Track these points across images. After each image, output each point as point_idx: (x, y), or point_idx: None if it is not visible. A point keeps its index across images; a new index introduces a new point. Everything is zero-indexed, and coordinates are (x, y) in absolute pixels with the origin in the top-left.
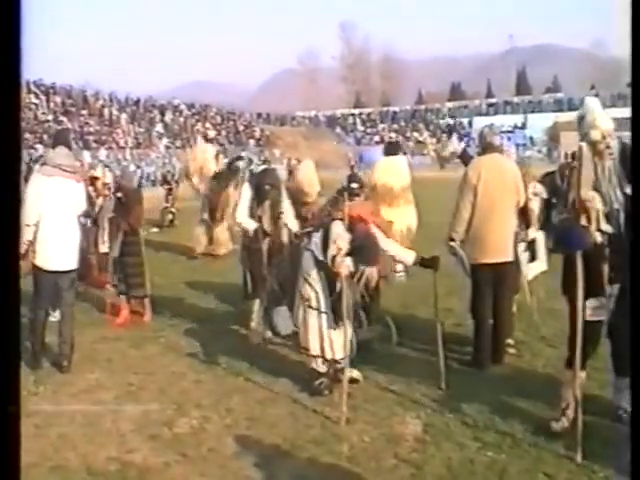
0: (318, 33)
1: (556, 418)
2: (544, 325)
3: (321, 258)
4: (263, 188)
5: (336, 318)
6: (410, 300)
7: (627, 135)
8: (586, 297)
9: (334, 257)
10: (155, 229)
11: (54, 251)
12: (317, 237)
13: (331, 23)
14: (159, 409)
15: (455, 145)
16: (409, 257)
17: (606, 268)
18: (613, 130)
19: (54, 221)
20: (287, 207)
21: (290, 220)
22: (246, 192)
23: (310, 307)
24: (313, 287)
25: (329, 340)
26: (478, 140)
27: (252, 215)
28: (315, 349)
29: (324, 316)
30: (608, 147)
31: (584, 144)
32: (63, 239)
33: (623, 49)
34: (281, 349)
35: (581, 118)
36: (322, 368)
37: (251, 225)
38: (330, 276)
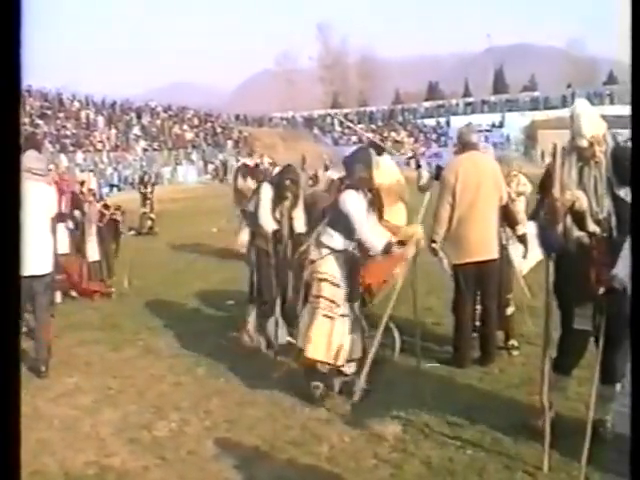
0: (295, 34)
1: (536, 415)
2: (524, 323)
3: (340, 247)
4: (284, 184)
5: (357, 322)
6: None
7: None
8: (574, 300)
9: (389, 244)
10: (132, 232)
11: (28, 255)
12: (327, 228)
13: (308, 24)
14: (138, 412)
15: (426, 175)
16: (378, 243)
17: (593, 271)
18: (604, 134)
19: (26, 225)
20: (299, 214)
21: (299, 226)
22: (266, 192)
23: (331, 311)
24: (339, 289)
25: (347, 346)
26: (457, 139)
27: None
28: (330, 357)
29: (347, 320)
30: (594, 155)
31: (558, 142)
32: (36, 243)
33: (599, 48)
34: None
35: (571, 118)
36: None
37: (271, 226)
38: (352, 276)
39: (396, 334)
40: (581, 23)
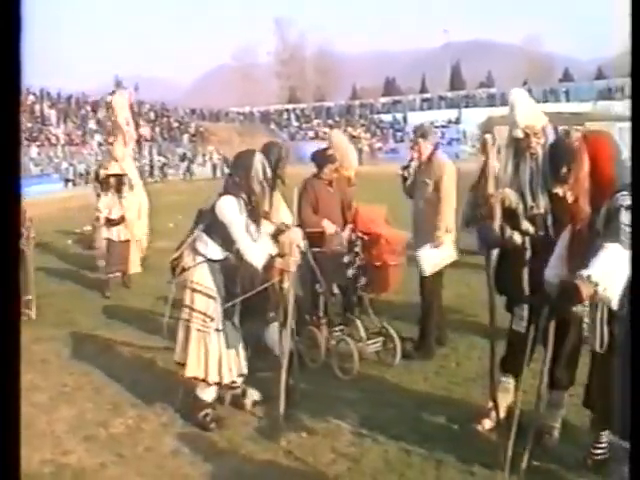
0: (253, 29)
1: (479, 419)
2: (479, 317)
3: (217, 257)
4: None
5: (234, 335)
6: None
7: (559, 129)
8: (512, 301)
9: (270, 260)
10: (69, 241)
11: None
12: (202, 235)
13: (266, 18)
14: (94, 409)
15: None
16: (259, 261)
17: (526, 272)
18: (542, 126)
19: None
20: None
21: (285, 216)
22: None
23: (204, 326)
24: (214, 301)
25: (227, 362)
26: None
27: None
28: (213, 375)
29: (222, 335)
30: (530, 146)
31: (489, 136)
32: None
33: (555, 45)
34: None
35: (510, 108)
36: (210, 396)
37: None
38: (229, 286)
39: (397, 341)
40: (538, 20)
